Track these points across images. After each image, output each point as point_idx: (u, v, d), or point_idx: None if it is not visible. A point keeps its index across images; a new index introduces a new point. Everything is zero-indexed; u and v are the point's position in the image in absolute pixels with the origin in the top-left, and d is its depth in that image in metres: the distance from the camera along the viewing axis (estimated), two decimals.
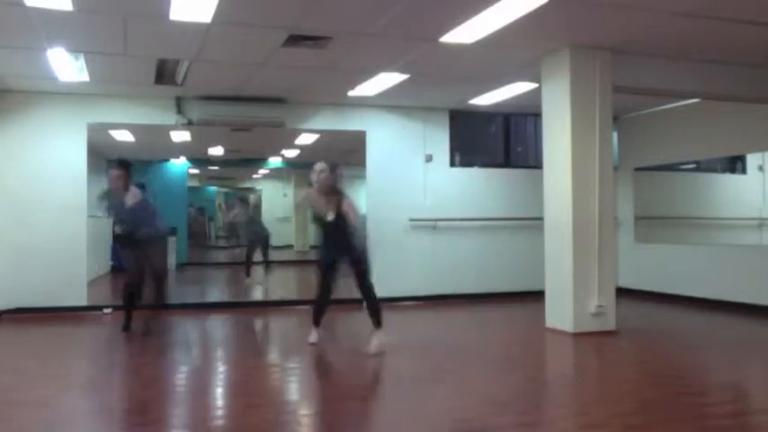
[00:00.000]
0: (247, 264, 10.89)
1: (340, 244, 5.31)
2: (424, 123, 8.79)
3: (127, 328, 6.31)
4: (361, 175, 9.08)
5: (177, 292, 11.39)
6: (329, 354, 5.66)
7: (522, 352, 5.67)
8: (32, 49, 5.89)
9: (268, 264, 11.42)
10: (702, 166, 9.73)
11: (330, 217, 5.33)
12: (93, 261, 9.18)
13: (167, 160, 14.02)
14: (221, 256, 18.30)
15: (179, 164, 14.28)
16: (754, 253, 7.82)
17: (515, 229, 8.93)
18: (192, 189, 17.10)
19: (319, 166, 5.41)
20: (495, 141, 9.70)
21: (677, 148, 8.62)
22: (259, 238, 11.05)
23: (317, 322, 5.63)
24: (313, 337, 5.62)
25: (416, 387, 4.36)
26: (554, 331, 6.29)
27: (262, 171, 17.39)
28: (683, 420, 3.62)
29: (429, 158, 8.79)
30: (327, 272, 5.53)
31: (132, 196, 6.25)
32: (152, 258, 6.34)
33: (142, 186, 7.89)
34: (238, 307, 8.33)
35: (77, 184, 7.71)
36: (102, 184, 12.59)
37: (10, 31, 5.47)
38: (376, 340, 5.32)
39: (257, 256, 11.06)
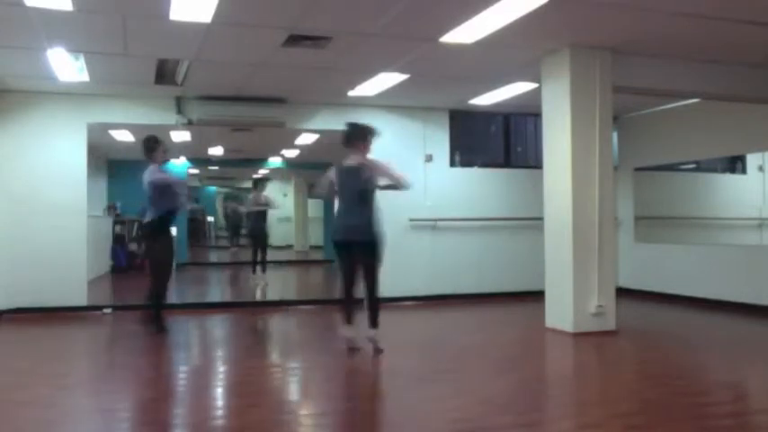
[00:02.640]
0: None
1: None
2: (424, 123, 8.78)
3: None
4: None
5: (177, 291, 11.40)
6: (328, 354, 5.66)
7: (522, 352, 5.67)
8: (32, 49, 5.89)
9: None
10: (702, 166, 9.73)
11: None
12: (93, 261, 9.18)
13: (167, 160, 13.99)
14: (224, 256, 18.27)
15: (179, 164, 14.26)
16: (754, 253, 7.82)
17: (515, 229, 8.93)
18: (192, 189, 17.09)
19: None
20: (495, 141, 9.70)
21: (677, 148, 8.62)
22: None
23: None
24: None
25: (416, 387, 4.36)
26: (554, 331, 6.28)
27: (262, 171, 17.38)
28: (683, 420, 3.62)
29: (429, 158, 8.79)
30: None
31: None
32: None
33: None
34: (238, 307, 8.32)
35: (77, 184, 7.71)
36: (101, 184, 12.67)
37: (10, 31, 5.47)
38: None
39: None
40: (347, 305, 5.45)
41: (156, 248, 6.31)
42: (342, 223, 5.35)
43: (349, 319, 5.43)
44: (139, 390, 4.52)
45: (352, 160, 5.37)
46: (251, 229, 11.09)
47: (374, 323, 5.32)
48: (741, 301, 7.50)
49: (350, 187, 5.32)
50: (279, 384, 4.77)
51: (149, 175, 6.27)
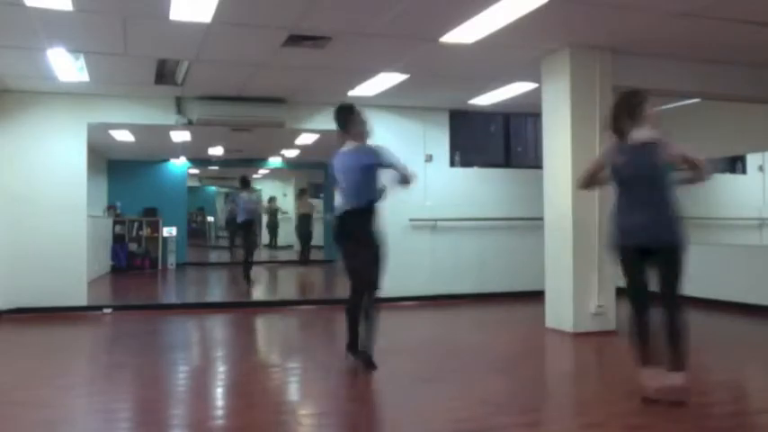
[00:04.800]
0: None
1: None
2: (424, 123, 8.79)
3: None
4: None
5: (181, 291, 11.40)
6: (329, 354, 5.65)
7: (522, 352, 5.66)
8: (32, 49, 5.89)
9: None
10: None
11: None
12: (93, 261, 9.18)
13: (167, 160, 14.02)
14: (223, 256, 18.24)
15: (179, 164, 14.28)
16: (755, 253, 7.82)
17: (515, 229, 8.93)
18: (191, 189, 17.09)
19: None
20: (495, 141, 9.70)
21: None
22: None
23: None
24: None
25: (416, 387, 4.36)
26: (554, 331, 6.28)
27: (262, 171, 17.40)
28: (683, 420, 3.62)
29: (429, 158, 8.79)
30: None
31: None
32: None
33: None
34: (240, 307, 8.32)
35: (77, 184, 7.71)
36: (101, 184, 12.66)
37: (10, 31, 5.47)
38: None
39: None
40: (643, 336, 3.93)
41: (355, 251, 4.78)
42: (631, 221, 3.94)
43: (649, 358, 3.92)
44: (139, 390, 4.51)
45: (642, 134, 4.15)
46: (300, 230, 14.09)
47: (680, 363, 3.79)
48: (741, 301, 7.49)
49: (638, 170, 4.07)
50: (279, 384, 4.77)
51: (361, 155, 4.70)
